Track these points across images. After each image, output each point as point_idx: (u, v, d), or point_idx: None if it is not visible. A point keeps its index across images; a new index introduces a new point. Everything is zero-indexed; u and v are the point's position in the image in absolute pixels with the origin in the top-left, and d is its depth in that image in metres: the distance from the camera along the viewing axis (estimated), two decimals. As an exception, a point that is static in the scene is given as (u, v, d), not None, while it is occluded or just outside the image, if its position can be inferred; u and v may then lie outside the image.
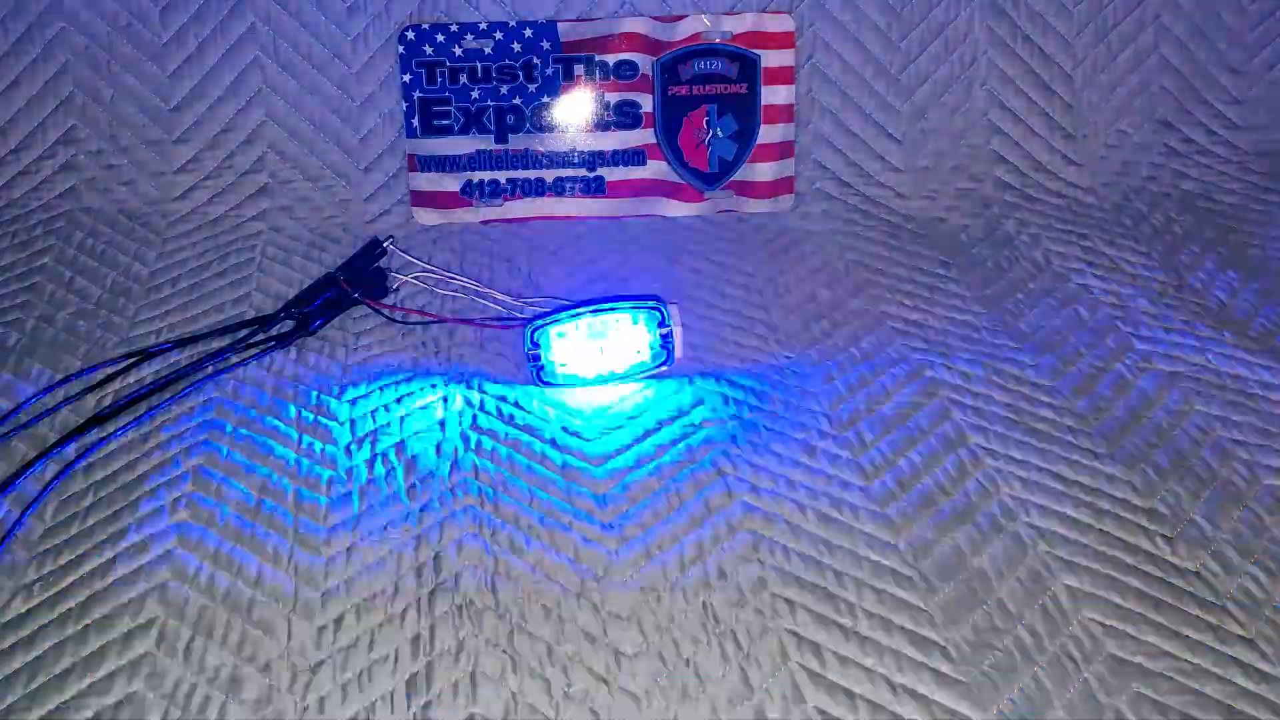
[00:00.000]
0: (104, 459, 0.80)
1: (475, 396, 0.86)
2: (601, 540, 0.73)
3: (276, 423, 0.83)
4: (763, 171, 1.12)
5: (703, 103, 1.11)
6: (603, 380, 0.87)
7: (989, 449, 0.80)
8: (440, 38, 1.08)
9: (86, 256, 1.03)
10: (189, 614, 0.68)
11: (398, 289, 0.99)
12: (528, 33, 1.08)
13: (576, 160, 1.11)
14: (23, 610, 0.69)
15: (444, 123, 1.09)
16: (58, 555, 0.72)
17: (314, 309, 0.94)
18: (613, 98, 1.10)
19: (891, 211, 1.12)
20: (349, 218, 1.10)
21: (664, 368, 0.88)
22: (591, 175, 1.11)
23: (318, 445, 0.82)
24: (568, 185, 1.11)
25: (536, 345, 0.86)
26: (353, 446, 0.81)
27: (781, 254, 1.06)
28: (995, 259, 1.05)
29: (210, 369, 0.88)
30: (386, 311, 0.95)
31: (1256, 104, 1.20)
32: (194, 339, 0.92)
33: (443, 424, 0.83)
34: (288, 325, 0.93)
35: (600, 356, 0.87)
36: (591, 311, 0.87)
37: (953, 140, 1.15)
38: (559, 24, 1.09)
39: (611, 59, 1.09)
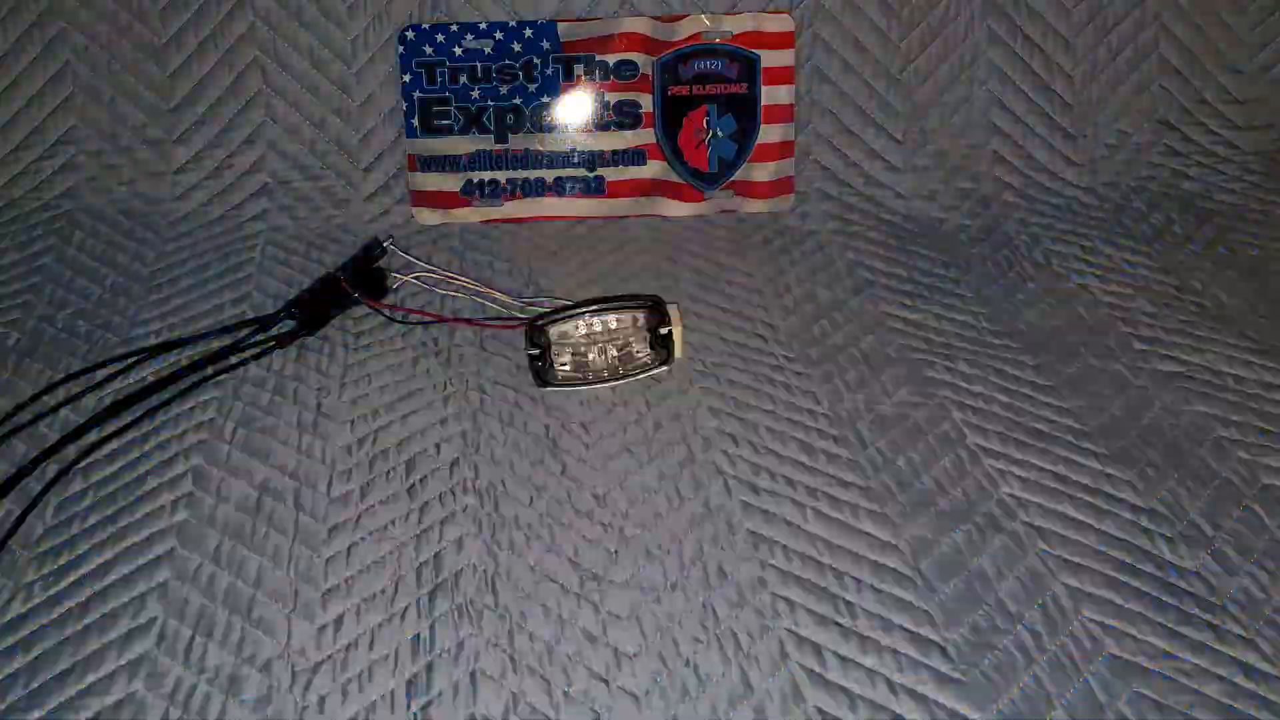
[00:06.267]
0: (104, 459, 0.80)
1: (475, 396, 0.86)
2: (601, 540, 0.73)
3: (276, 423, 0.83)
4: (763, 171, 1.12)
5: (703, 103, 1.11)
6: (603, 380, 0.87)
7: (989, 449, 0.80)
8: (440, 38, 1.08)
9: (86, 256, 1.03)
10: (189, 614, 0.68)
11: (398, 289, 0.99)
12: (528, 33, 1.08)
13: (576, 160, 1.11)
14: (23, 610, 0.69)
15: (444, 123, 1.09)
16: (58, 555, 0.72)
17: (314, 309, 0.93)
18: (613, 98, 1.10)
19: (891, 211, 1.12)
20: (349, 218, 1.10)
21: (664, 368, 0.88)
22: (591, 175, 1.11)
23: (318, 445, 0.82)
24: (568, 185, 1.11)
25: (536, 345, 0.86)
26: (353, 446, 0.81)
27: (781, 254, 1.06)
28: (995, 259, 1.05)
29: (210, 369, 0.88)
30: (386, 311, 0.95)
31: (1256, 104, 1.20)
32: (194, 339, 0.92)
33: (443, 424, 0.83)
34: (288, 325, 0.93)
35: (600, 356, 0.88)
36: (591, 311, 0.87)
37: (953, 140, 1.15)
38: (559, 24, 1.09)
39: (611, 59, 1.09)
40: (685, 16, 1.10)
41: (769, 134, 1.12)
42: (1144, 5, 1.17)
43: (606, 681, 0.64)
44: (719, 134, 1.11)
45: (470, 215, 1.11)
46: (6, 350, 0.91)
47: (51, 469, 0.79)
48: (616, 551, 0.72)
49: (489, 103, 1.09)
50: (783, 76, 1.12)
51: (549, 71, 1.09)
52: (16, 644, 0.66)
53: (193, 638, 0.66)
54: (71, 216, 1.08)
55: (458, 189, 1.10)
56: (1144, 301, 0.98)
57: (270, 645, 0.66)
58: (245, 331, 0.92)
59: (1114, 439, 0.82)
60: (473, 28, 1.08)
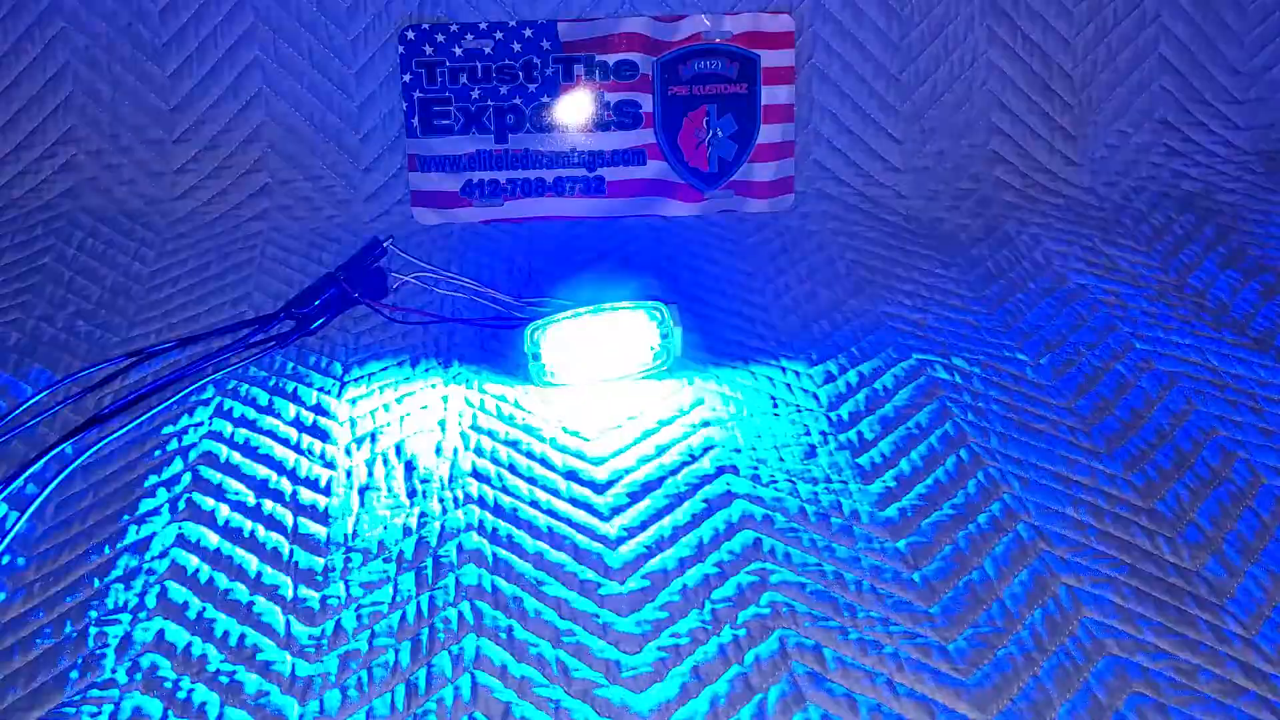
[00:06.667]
0: (104, 459, 0.80)
1: (475, 396, 0.86)
2: (601, 540, 0.73)
3: (276, 423, 0.83)
4: (763, 171, 1.12)
5: (703, 103, 1.11)
6: (602, 380, 0.87)
7: (989, 449, 0.80)
8: (440, 38, 1.08)
9: (86, 256, 1.03)
10: (189, 614, 0.68)
11: (398, 289, 0.99)
12: (528, 33, 1.08)
13: (576, 160, 1.11)
14: (23, 610, 0.69)
15: (444, 123, 1.09)
16: (58, 555, 0.72)
17: (314, 309, 0.94)
18: (613, 98, 1.10)
19: (891, 211, 1.12)
20: (349, 218, 1.10)
21: (664, 368, 0.88)
22: (591, 175, 1.11)
23: (317, 445, 0.81)
24: (568, 185, 1.11)
25: (536, 345, 0.86)
26: (352, 446, 0.81)
27: (781, 254, 1.06)
28: (995, 259, 1.05)
29: (210, 369, 0.88)
30: (386, 311, 0.95)
31: (1256, 104, 1.20)
32: (194, 339, 0.92)
33: (443, 424, 0.83)
34: (288, 325, 0.93)
35: (600, 356, 0.87)
36: (591, 311, 0.87)
37: (953, 140, 1.15)
38: (559, 24, 1.09)
39: (611, 59, 1.09)
40: (685, 16, 1.10)
41: (769, 134, 1.12)
42: (1144, 5, 1.17)
43: (606, 682, 0.64)
44: (719, 134, 1.11)
45: (470, 215, 1.11)
46: (6, 350, 0.91)
47: (51, 469, 0.79)
48: (616, 551, 0.72)
49: (489, 103, 1.09)
50: (783, 76, 1.12)
51: (549, 71, 1.09)
52: (16, 644, 0.66)
53: (193, 638, 0.66)
54: (71, 216, 1.08)
55: (458, 189, 1.10)
56: (1144, 301, 0.98)
57: (270, 645, 0.66)
58: (245, 331, 0.92)
59: (1114, 439, 0.82)
60: (473, 28, 1.08)
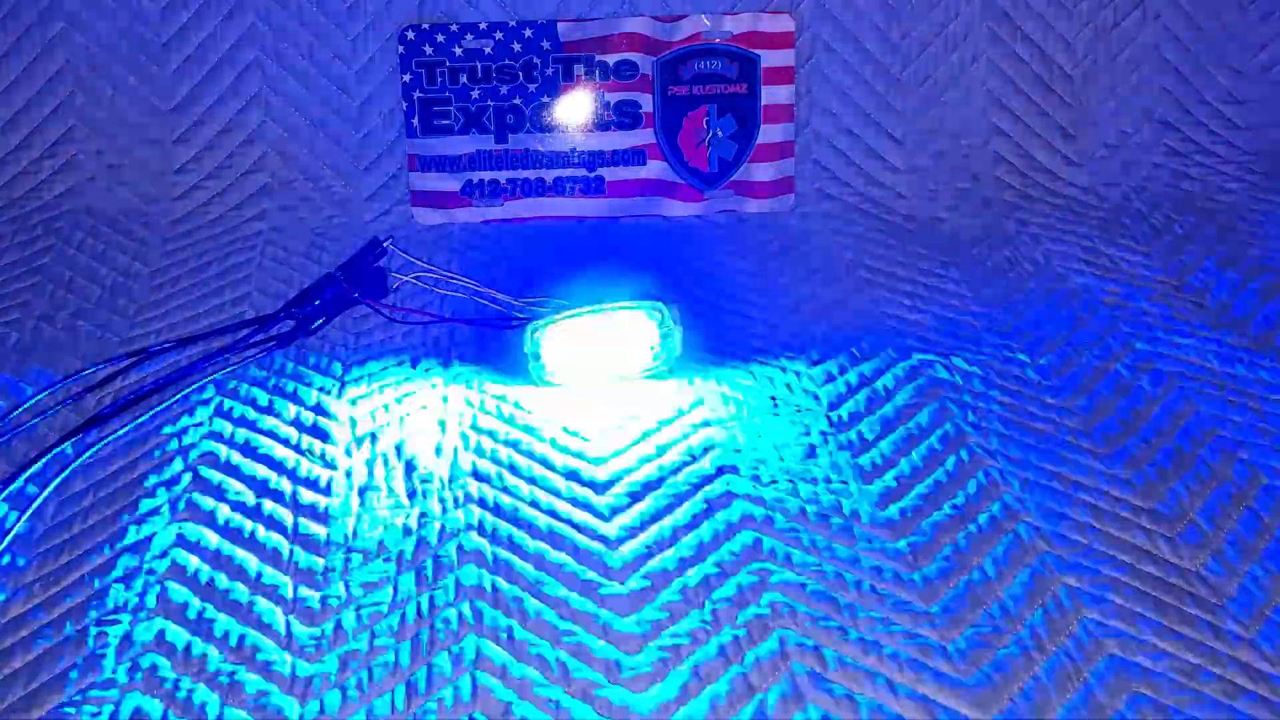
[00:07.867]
0: (104, 459, 0.80)
1: (475, 396, 0.86)
2: (601, 540, 0.73)
3: (276, 423, 0.83)
4: (763, 171, 1.12)
5: (703, 103, 1.11)
6: (602, 380, 0.87)
7: (989, 449, 0.80)
8: (440, 38, 1.08)
9: (86, 256, 1.03)
10: (189, 614, 0.68)
11: (398, 289, 0.99)
12: (528, 33, 1.08)
13: (576, 160, 1.11)
14: (23, 610, 0.69)
15: (444, 123, 1.09)
16: (58, 555, 0.72)
17: (314, 309, 0.94)
18: (613, 98, 1.10)
19: (891, 211, 1.12)
20: (349, 218, 1.10)
21: (664, 368, 0.88)
22: (591, 175, 1.11)
23: (317, 445, 0.81)
24: (568, 185, 1.11)
25: (536, 345, 0.86)
26: (352, 446, 0.81)
27: (781, 254, 1.06)
28: (995, 259, 1.05)
29: (210, 369, 0.88)
30: (386, 311, 0.95)
31: (1256, 104, 1.20)
32: (194, 339, 0.92)
33: (443, 424, 0.83)
34: (288, 325, 0.93)
35: (600, 356, 0.87)
36: (591, 311, 0.87)
37: (953, 140, 1.15)
38: (559, 24, 1.09)
39: (611, 59, 1.09)
40: (685, 16, 1.10)
41: (769, 134, 1.12)
42: (1144, 5, 1.17)
43: (606, 682, 0.64)
44: (719, 134, 1.11)
45: (470, 215, 1.11)
46: (6, 350, 0.91)
47: (52, 469, 0.79)
48: (616, 551, 0.72)
49: (489, 103, 1.09)
50: (783, 76, 1.12)
51: (549, 71, 1.09)
52: (16, 644, 0.66)
53: (193, 638, 0.66)
54: (71, 216, 1.08)
55: (458, 189, 1.10)
56: (1144, 301, 0.98)
57: (270, 645, 0.66)
58: (245, 331, 0.92)
59: (1114, 439, 0.82)
60: (473, 28, 1.08)
